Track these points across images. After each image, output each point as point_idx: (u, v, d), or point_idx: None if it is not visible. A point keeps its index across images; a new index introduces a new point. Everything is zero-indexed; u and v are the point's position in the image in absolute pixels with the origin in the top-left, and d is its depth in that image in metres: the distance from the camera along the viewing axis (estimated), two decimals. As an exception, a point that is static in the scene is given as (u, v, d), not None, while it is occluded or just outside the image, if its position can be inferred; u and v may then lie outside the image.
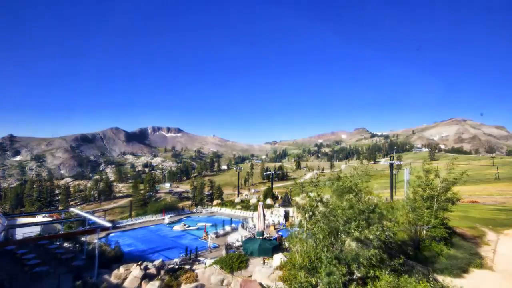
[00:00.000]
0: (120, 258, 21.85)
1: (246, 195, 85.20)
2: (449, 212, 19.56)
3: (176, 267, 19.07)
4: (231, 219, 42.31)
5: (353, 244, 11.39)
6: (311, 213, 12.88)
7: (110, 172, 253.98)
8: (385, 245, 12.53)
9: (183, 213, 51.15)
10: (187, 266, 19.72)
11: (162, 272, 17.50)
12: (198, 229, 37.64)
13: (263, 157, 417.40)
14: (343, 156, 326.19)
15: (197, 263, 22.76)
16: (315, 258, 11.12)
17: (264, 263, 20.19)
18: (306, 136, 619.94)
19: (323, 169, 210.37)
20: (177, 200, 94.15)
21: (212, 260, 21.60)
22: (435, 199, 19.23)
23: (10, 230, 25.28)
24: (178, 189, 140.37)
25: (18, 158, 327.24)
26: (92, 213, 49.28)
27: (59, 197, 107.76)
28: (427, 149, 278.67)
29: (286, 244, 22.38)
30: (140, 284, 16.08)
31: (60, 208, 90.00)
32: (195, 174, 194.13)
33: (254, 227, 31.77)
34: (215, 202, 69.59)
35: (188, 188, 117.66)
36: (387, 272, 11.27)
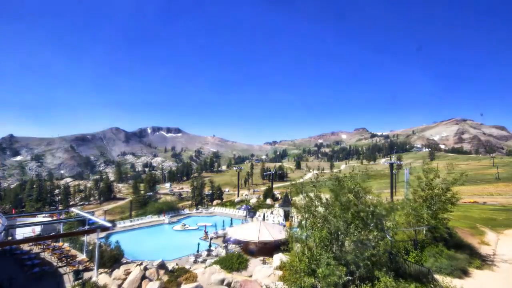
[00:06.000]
0: (120, 258, 21.82)
1: (246, 195, 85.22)
2: (449, 212, 19.54)
3: (176, 267, 19.05)
4: (231, 219, 42.29)
5: (353, 245, 11.38)
6: (310, 214, 12.86)
7: (110, 172, 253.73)
8: (385, 245, 12.51)
9: (183, 213, 51.08)
10: (187, 266, 19.70)
11: (162, 272, 17.48)
12: (198, 229, 37.60)
13: (263, 157, 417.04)
14: (343, 156, 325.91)
15: (197, 263, 22.77)
16: (314, 259, 11.10)
17: (264, 263, 20.20)
18: (306, 136, 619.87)
19: (323, 169, 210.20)
20: (177, 200, 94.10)
21: (212, 260, 21.60)
22: (435, 200, 19.20)
23: (10, 230, 25.29)
24: (178, 189, 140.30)
25: (18, 158, 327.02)
26: (92, 213, 49.30)
27: (59, 197, 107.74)
28: (427, 149, 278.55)
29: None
30: (140, 284, 16.06)
31: (60, 208, 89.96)
32: (195, 174, 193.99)
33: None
34: (215, 202, 69.57)
35: (188, 188, 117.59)
36: (386, 272, 11.25)
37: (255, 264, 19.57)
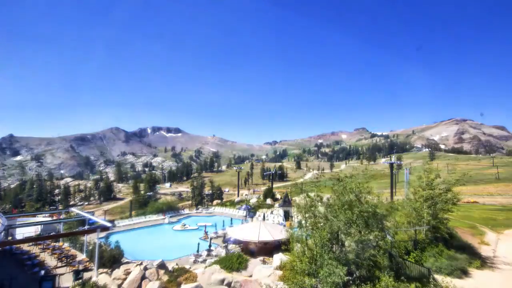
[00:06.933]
0: (120, 258, 21.82)
1: (246, 195, 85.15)
2: (450, 212, 19.53)
3: (176, 267, 19.04)
4: (231, 219, 42.29)
5: (353, 245, 11.37)
6: (311, 214, 12.85)
7: (110, 172, 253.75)
8: (385, 245, 12.50)
9: (183, 213, 51.11)
10: (187, 266, 19.69)
11: (162, 272, 17.46)
12: (198, 229, 37.61)
13: (263, 157, 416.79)
14: (343, 156, 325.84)
15: (197, 263, 22.77)
16: (315, 259, 11.09)
17: (264, 263, 20.18)
18: (306, 136, 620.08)
19: (323, 169, 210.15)
20: (177, 200, 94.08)
21: (212, 260, 21.59)
22: (436, 200, 19.19)
23: (10, 230, 25.27)
24: (178, 189, 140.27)
25: (18, 158, 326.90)
26: (92, 213, 49.31)
27: (59, 197, 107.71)
28: (427, 149, 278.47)
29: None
30: (140, 284, 16.05)
31: (60, 208, 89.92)
32: (195, 174, 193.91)
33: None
34: (215, 202, 69.55)
35: (188, 188, 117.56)
36: (387, 272, 11.24)
37: (255, 264, 19.56)
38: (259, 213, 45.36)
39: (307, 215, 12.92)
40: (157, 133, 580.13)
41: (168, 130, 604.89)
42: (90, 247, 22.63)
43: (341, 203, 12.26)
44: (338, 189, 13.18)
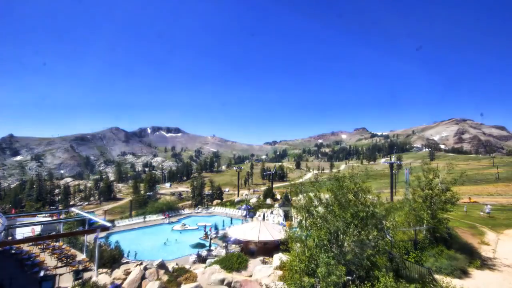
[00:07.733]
0: (120, 258, 21.83)
1: (246, 195, 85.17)
2: (449, 212, 19.52)
3: (176, 267, 19.04)
4: (231, 219, 42.33)
5: (352, 245, 11.36)
6: (309, 214, 12.84)
7: (110, 172, 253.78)
8: (384, 245, 12.49)
9: (183, 213, 51.10)
10: (187, 266, 19.70)
11: (162, 272, 17.46)
12: (198, 229, 37.63)
13: (263, 157, 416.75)
14: (343, 156, 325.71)
15: (197, 263, 22.78)
16: (314, 258, 11.09)
17: (264, 263, 20.19)
18: (306, 136, 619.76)
19: (323, 169, 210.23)
20: (177, 200, 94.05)
21: (212, 260, 21.61)
22: (434, 199, 19.19)
23: (10, 230, 25.27)
24: (178, 189, 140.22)
25: (18, 158, 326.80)
26: (92, 213, 49.30)
27: (59, 197, 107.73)
28: (427, 149, 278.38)
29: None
30: (140, 284, 16.05)
31: (60, 208, 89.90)
32: (195, 174, 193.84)
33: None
34: (215, 202, 69.59)
35: (188, 188, 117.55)
36: (386, 272, 11.23)
37: (255, 264, 19.56)
38: (259, 213, 45.38)
39: (306, 215, 12.92)
40: (157, 133, 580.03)
41: (168, 130, 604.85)
42: (90, 247, 22.63)
43: (339, 203, 12.25)
44: (335, 189, 13.16)
